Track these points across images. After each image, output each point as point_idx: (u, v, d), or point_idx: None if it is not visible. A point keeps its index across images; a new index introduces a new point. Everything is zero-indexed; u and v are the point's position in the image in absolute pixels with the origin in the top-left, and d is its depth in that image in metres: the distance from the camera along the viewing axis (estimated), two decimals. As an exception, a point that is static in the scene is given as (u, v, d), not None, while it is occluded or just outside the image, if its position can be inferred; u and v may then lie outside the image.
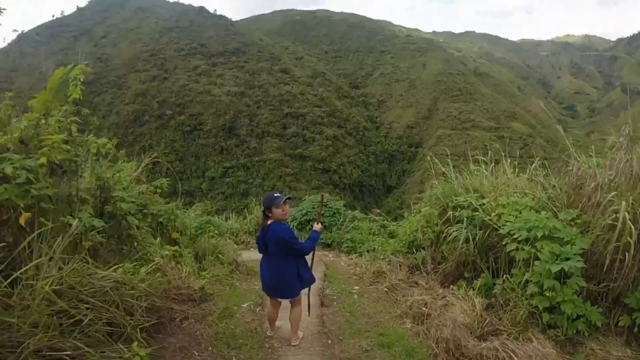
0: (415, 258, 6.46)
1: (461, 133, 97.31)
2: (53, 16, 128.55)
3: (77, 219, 3.52)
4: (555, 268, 3.81)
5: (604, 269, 4.08)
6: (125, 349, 2.95)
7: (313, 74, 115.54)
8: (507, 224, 4.78)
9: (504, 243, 4.81)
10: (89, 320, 2.89)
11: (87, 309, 2.96)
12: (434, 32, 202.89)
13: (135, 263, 4.12)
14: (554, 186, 5.55)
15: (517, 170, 6.47)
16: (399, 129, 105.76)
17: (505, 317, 4.11)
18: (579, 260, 3.84)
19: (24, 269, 2.85)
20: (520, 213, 4.94)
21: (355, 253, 8.98)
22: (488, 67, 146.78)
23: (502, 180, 6.25)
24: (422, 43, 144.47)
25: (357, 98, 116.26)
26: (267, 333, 4.38)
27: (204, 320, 4.26)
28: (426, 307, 4.72)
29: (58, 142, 3.68)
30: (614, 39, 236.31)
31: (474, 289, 5.03)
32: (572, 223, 4.48)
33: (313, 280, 4.29)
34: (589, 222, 4.36)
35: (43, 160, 3.57)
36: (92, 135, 4.76)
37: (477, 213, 5.50)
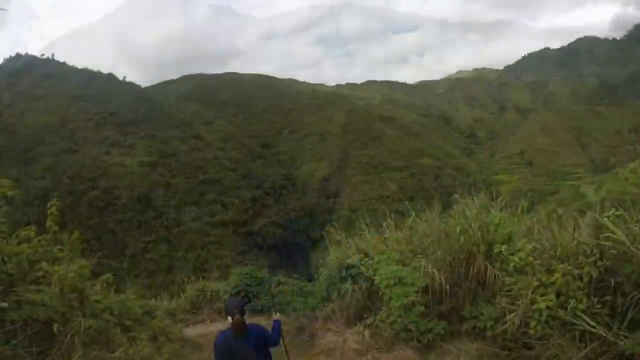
0: (327, 308, 8.48)
1: (375, 177, 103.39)
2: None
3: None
4: (398, 303, 6.05)
5: (444, 296, 6.42)
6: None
7: (225, 136, 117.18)
8: (378, 276, 6.97)
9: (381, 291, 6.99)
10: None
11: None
12: (337, 85, 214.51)
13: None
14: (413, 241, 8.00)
15: (392, 229, 8.80)
16: (315, 182, 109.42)
17: (380, 340, 6.24)
18: (415, 296, 6.08)
19: None
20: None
21: (283, 313, 10.68)
22: (391, 111, 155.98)
23: (380, 239, 8.58)
24: (328, 97, 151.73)
25: (270, 157, 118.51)
26: None
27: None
28: (333, 345, 6.72)
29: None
30: (501, 67, 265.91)
31: (366, 326, 7.13)
32: (419, 268, 6.80)
33: None
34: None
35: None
36: None
37: (360, 270, 7.67)
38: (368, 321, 7.19)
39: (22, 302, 4.46)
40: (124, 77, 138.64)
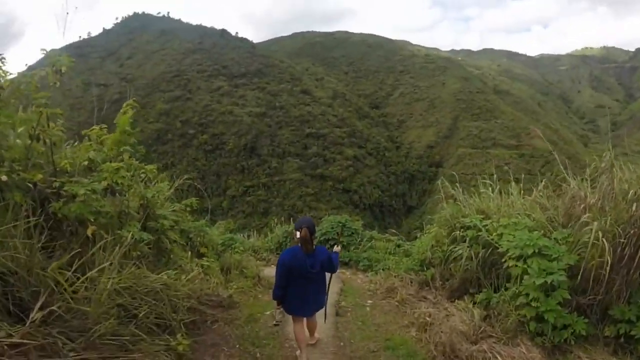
0: (425, 275, 6.95)
1: (482, 152, 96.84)
2: (80, 37, 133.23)
3: (129, 233, 4.19)
4: (539, 281, 4.30)
5: (591, 284, 4.55)
6: (171, 339, 3.56)
7: (333, 94, 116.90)
8: (505, 243, 5.26)
9: (503, 260, 5.30)
10: (144, 314, 3.52)
11: (140, 305, 3.60)
12: (452, 51, 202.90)
13: (174, 271, 4.77)
14: (555, 207, 6.03)
15: (522, 192, 6.95)
16: (419, 148, 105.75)
17: (497, 326, 4.59)
18: (562, 275, 4.31)
19: (95, 269, 3.48)
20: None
21: (371, 271, 9.46)
22: (508, 84, 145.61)
23: (506, 202, 6.74)
24: (441, 62, 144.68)
25: (377, 118, 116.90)
26: (297, 355, 4.54)
27: (231, 323, 4.87)
28: (430, 317, 5.22)
29: (116, 168, 4.38)
30: (632, 49, 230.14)
31: (475, 303, 5.51)
32: (564, 242, 4.96)
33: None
34: (576, 240, 4.83)
35: (105, 184, 4.28)
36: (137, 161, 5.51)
37: (480, 233, 5.99)
38: (480, 297, 5.58)
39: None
40: (236, 33, 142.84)
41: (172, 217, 5.82)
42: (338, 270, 9.89)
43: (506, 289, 5.04)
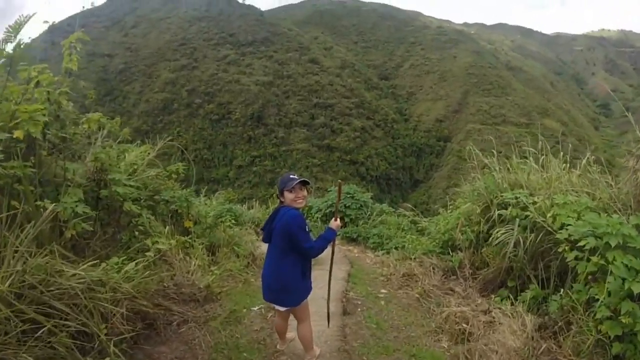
0: (451, 260, 5.72)
1: (491, 128, 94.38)
2: (83, 7, 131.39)
3: (53, 204, 2.96)
4: (637, 288, 3.04)
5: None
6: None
7: (342, 64, 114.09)
8: (567, 227, 4.00)
9: (559, 250, 4.05)
10: (51, 328, 2.33)
11: (49, 314, 2.40)
12: (465, 24, 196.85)
13: (127, 255, 3.56)
14: (617, 185, 4.75)
15: (568, 166, 5.69)
16: (428, 122, 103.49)
17: (565, 344, 3.36)
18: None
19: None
20: (579, 215, 4.18)
21: (382, 250, 8.32)
22: (520, 61, 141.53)
23: (550, 176, 5.46)
24: (453, 34, 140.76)
25: (386, 89, 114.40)
26: (277, 347, 3.70)
27: (205, 325, 3.68)
28: (467, 324, 4.00)
29: (37, 114, 3.12)
30: None
31: (523, 303, 4.29)
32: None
33: (310, 290, 3.43)
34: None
35: (18, 134, 3.03)
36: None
37: (527, 212, 4.74)
38: (527, 295, 4.36)
39: None
40: (244, 0, 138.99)
41: (138, 184, 4.60)
42: (343, 247, 8.75)
43: (570, 290, 3.80)
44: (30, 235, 2.65)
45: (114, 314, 2.77)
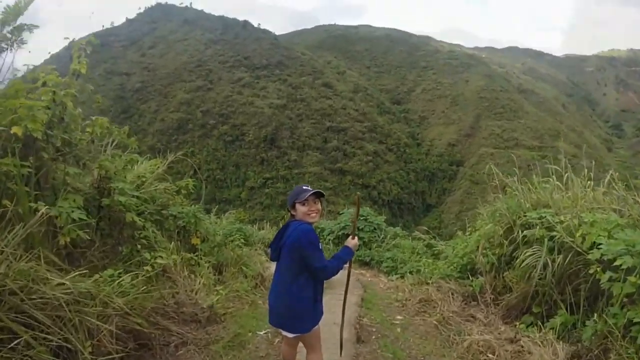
0: (471, 285, 5.37)
1: (504, 152, 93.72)
2: (103, 26, 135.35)
3: (46, 207, 2.73)
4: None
5: None
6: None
7: (355, 88, 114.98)
8: (599, 247, 3.68)
9: (590, 272, 3.74)
10: (29, 339, 2.06)
11: (29, 325, 2.14)
12: (476, 48, 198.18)
13: (125, 269, 3.30)
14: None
15: (591, 184, 5.41)
16: (440, 146, 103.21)
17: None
18: None
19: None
20: (610, 233, 3.87)
21: (396, 274, 7.98)
22: (532, 83, 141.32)
23: (578, 193, 5.15)
24: (465, 59, 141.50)
25: (398, 114, 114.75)
26: None
27: (206, 348, 3.37)
28: (493, 354, 3.64)
29: (37, 110, 2.93)
30: None
31: (552, 330, 3.94)
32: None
33: (321, 315, 3.00)
34: None
35: (16, 130, 2.83)
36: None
37: (554, 233, 4.41)
38: (556, 321, 4.02)
39: None
40: (259, 24, 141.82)
41: (144, 196, 4.38)
42: (355, 271, 8.41)
43: (593, 312, 3.47)
44: (18, 238, 2.42)
45: (102, 331, 2.49)
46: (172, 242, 5.34)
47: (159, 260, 3.61)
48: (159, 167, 6.19)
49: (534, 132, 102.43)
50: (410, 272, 7.34)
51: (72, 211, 2.92)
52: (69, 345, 2.27)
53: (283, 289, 2.87)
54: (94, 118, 3.81)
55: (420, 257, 8.28)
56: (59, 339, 2.22)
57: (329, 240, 9.92)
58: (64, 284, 2.37)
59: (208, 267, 5.69)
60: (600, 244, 3.73)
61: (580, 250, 4.08)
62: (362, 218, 9.87)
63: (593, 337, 3.47)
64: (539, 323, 4.25)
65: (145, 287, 3.19)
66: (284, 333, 2.96)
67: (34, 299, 2.22)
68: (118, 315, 2.63)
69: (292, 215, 3.00)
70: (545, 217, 4.64)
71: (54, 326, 2.23)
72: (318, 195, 2.97)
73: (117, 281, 2.87)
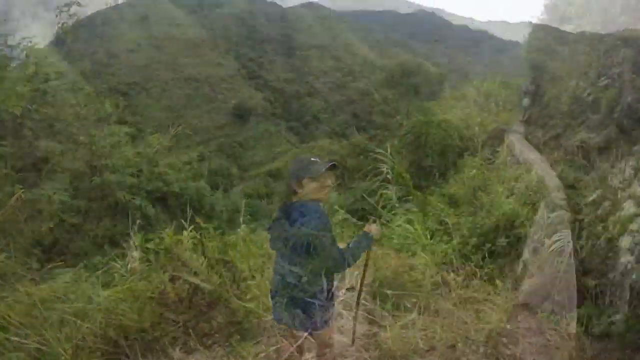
0: (489, 268, 5.06)
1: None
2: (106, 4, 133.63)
3: (22, 189, 2.46)
4: None
5: None
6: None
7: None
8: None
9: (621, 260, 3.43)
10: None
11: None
12: (488, 22, 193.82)
13: (114, 256, 3.04)
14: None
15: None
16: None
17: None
18: None
19: None
20: None
21: (408, 252, 7.66)
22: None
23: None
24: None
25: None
26: None
27: (206, 337, 3.12)
28: (514, 345, 3.37)
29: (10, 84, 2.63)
30: None
31: (577, 321, 3.65)
32: None
33: (334, 310, 2.60)
34: None
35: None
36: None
37: (581, 216, 4.09)
38: (583, 311, 3.73)
39: None
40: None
41: (137, 173, 4.11)
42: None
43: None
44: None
45: (86, 329, 2.21)
46: (174, 221, 5.10)
47: (150, 245, 3.34)
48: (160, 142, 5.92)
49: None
50: (423, 251, 7.04)
51: (54, 193, 2.65)
52: (44, 348, 1.99)
53: (288, 282, 2.43)
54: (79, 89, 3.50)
55: (434, 235, 7.97)
56: (34, 341, 1.95)
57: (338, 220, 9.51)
58: (34, 280, 2.09)
59: (212, 248, 5.45)
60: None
61: (610, 237, 3.76)
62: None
63: (624, 330, 3.19)
64: (563, 314, 3.97)
65: (140, 274, 2.94)
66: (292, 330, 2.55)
67: (5, 296, 1.94)
68: (102, 311, 2.36)
69: (294, 192, 2.47)
70: (572, 198, 4.30)
71: (29, 327, 1.95)
72: (331, 168, 2.46)
73: (104, 270, 2.61)
